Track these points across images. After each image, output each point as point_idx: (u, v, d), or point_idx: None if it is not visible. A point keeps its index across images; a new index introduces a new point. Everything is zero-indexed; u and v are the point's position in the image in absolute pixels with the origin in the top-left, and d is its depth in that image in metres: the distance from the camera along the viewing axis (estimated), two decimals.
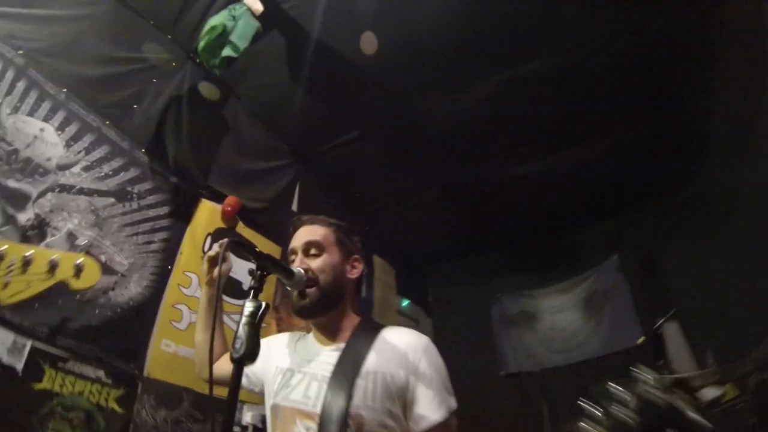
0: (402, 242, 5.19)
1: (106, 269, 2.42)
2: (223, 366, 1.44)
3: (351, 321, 1.47)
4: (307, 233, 1.48)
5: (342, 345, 1.39)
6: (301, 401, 1.30)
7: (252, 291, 1.15)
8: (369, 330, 1.42)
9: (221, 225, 3.16)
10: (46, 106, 2.37)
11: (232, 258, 1.54)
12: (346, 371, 1.29)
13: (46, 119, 2.36)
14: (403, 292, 4.92)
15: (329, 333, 1.44)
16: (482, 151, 3.97)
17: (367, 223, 4.71)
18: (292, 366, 1.41)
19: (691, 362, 4.05)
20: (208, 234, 3.06)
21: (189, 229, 2.95)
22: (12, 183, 2.16)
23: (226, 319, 2.91)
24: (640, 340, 4.11)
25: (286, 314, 3.39)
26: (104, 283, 2.40)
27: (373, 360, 1.31)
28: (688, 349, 4.05)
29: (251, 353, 1.06)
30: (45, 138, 2.34)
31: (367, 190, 4.48)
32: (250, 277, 1.17)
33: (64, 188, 2.37)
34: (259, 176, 3.59)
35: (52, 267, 1.35)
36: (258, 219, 3.45)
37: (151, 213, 2.74)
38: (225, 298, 2.96)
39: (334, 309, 1.43)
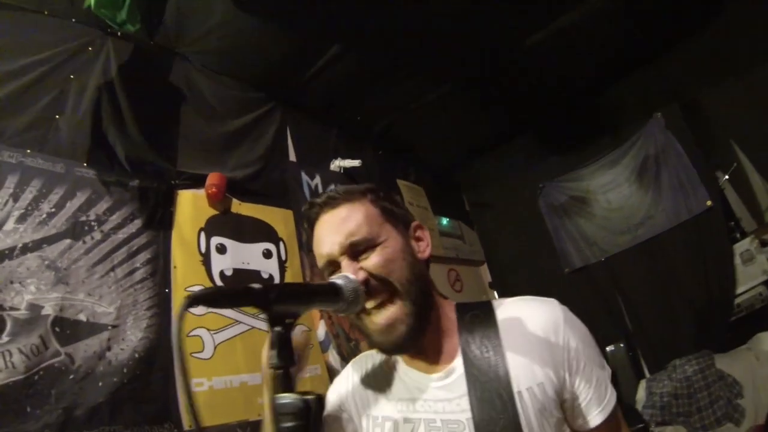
0: (422, 154, 4.59)
1: (92, 328, 1.97)
2: None
3: (448, 316, 1.04)
4: (340, 224, 0.99)
5: (455, 366, 0.97)
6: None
7: (280, 376, 0.70)
8: (478, 323, 0.99)
9: (211, 212, 2.62)
10: None
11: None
12: (495, 404, 0.89)
13: None
14: (438, 211, 4.42)
15: (432, 348, 1.01)
16: (487, 28, 3.24)
17: (379, 146, 4.11)
18: (389, 413, 1.01)
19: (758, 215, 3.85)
20: (200, 229, 2.54)
21: (174, 233, 2.42)
22: None
23: (253, 320, 2.54)
24: (708, 202, 3.69)
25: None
26: (97, 346, 1.95)
27: (518, 371, 0.92)
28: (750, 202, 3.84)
29: None
30: None
31: (369, 109, 3.82)
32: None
33: (4, 255, 1.85)
34: (239, 137, 2.98)
35: None
36: (253, 187, 2.89)
37: (121, 235, 2.21)
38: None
39: (431, 315, 1.00)
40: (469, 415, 0.90)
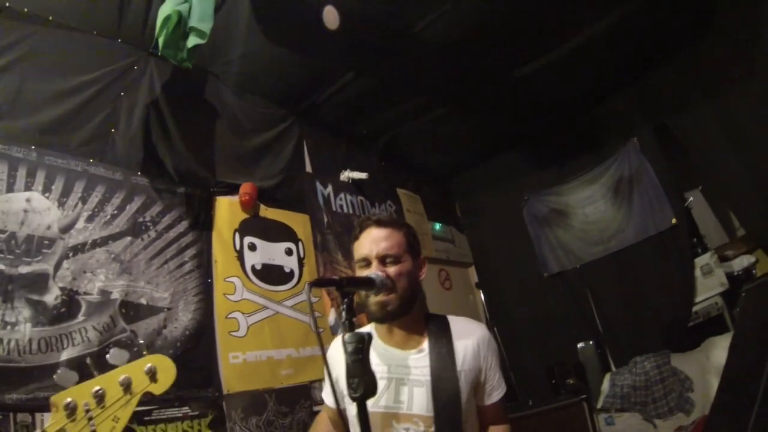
0: (420, 165, 5.04)
1: (152, 310, 2.40)
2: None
3: (422, 320, 1.56)
4: (381, 241, 1.47)
5: (423, 347, 1.49)
6: (393, 406, 1.43)
7: (347, 323, 1.18)
8: (440, 327, 1.53)
9: (244, 216, 3.06)
10: (21, 173, 2.16)
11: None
12: (447, 374, 1.42)
13: (27, 187, 2.16)
14: (432, 217, 4.86)
15: (407, 336, 1.52)
16: (484, 57, 3.64)
17: (382, 158, 4.53)
18: (384, 369, 1.48)
19: (721, 233, 4.28)
20: (235, 230, 2.97)
21: (214, 234, 2.85)
22: (24, 269, 2.04)
23: (278, 306, 2.95)
24: (673, 220, 4.10)
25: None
26: (155, 324, 2.39)
27: (460, 359, 1.46)
28: (714, 221, 4.28)
29: (371, 388, 1.11)
30: (35, 207, 2.16)
31: (375, 124, 4.24)
32: (340, 312, 1.24)
33: (77, 249, 2.25)
34: (265, 150, 3.40)
35: (127, 386, 1.32)
36: (277, 195, 3.32)
37: (172, 234, 2.64)
38: (268, 286, 2.97)
39: (410, 313, 1.49)
40: (428, 378, 1.42)
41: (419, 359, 1.46)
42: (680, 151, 4.19)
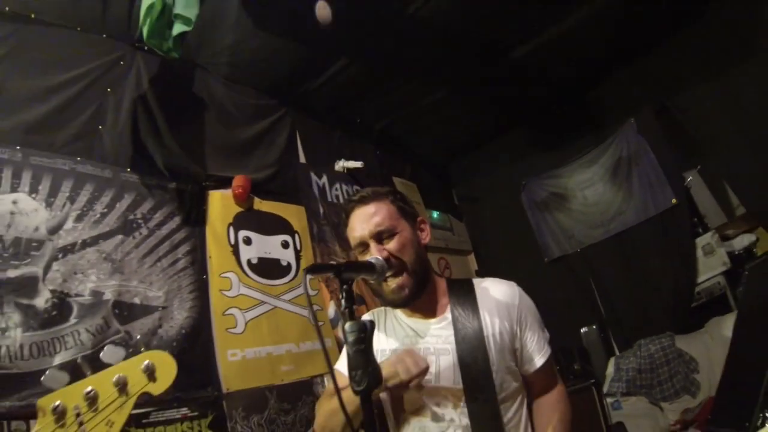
0: (416, 152, 4.97)
1: (146, 310, 2.33)
2: None
3: (441, 287, 1.49)
4: (370, 217, 1.39)
5: (447, 315, 1.42)
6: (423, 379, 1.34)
7: (347, 312, 1.10)
8: (462, 292, 1.45)
9: (238, 209, 2.98)
10: (7, 174, 2.09)
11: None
12: (472, 341, 1.34)
13: (13, 189, 2.09)
14: (429, 205, 4.79)
15: (429, 306, 1.45)
16: (479, 39, 3.58)
17: (377, 146, 4.46)
18: (394, 346, 1.44)
19: (720, 213, 4.21)
20: (229, 225, 2.90)
21: (208, 228, 2.77)
22: (12, 273, 1.97)
23: (276, 300, 2.89)
24: (674, 200, 4.06)
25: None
26: (150, 324, 2.32)
27: (487, 323, 1.37)
28: (714, 201, 4.23)
29: (375, 380, 1.04)
30: (22, 209, 2.09)
31: (369, 112, 4.18)
32: (339, 299, 1.19)
33: (66, 250, 2.18)
34: (257, 142, 3.31)
35: (123, 386, 1.23)
36: (271, 187, 3.24)
37: (164, 231, 2.56)
38: (265, 280, 2.91)
39: (428, 285, 1.43)
40: (453, 347, 1.35)
41: (442, 328, 1.40)
42: (678, 131, 4.13)
